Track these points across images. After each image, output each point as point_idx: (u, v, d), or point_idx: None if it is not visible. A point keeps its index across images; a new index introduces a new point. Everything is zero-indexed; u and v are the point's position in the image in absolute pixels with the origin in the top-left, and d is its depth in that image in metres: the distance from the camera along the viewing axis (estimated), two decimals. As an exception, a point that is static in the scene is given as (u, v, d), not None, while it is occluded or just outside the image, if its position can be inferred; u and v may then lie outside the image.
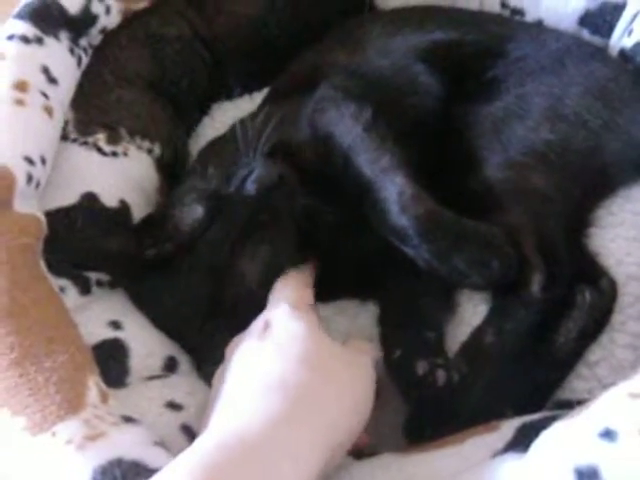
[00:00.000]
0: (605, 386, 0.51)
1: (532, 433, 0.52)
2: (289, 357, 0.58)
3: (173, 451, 0.59)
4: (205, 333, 0.72)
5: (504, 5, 1.03)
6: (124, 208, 0.83)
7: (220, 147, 0.90)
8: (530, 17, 1.01)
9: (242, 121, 0.84)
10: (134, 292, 0.77)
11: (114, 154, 0.86)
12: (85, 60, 0.87)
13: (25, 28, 0.79)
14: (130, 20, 0.94)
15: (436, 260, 0.69)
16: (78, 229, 0.77)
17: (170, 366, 0.74)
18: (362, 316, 0.80)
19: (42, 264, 0.69)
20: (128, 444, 0.57)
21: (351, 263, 0.78)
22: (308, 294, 0.69)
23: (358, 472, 0.61)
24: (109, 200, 0.81)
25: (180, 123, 1.01)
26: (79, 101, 0.85)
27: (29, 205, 0.71)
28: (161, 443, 0.60)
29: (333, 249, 0.75)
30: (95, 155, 0.84)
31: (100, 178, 0.82)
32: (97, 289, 0.77)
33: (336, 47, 0.98)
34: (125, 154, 0.87)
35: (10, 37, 0.78)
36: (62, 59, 0.82)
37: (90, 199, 0.80)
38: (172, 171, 0.94)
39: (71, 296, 0.74)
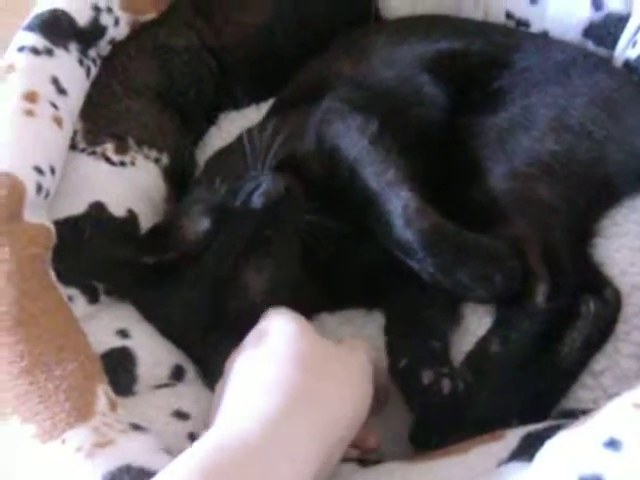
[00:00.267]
0: (610, 396, 0.52)
1: (537, 442, 0.52)
2: (282, 358, 0.58)
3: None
4: (208, 344, 0.72)
5: (509, 16, 1.03)
6: (132, 217, 0.83)
7: (227, 158, 0.91)
8: (535, 28, 1.01)
9: (249, 132, 0.85)
10: (140, 302, 0.77)
11: (122, 164, 0.86)
12: (94, 71, 0.88)
13: (35, 40, 0.79)
14: (138, 31, 0.94)
15: (440, 274, 0.69)
16: (86, 238, 0.77)
17: (177, 375, 0.75)
18: (368, 326, 0.80)
19: (51, 273, 0.69)
20: (136, 451, 0.58)
21: (357, 273, 0.78)
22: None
23: (363, 478, 0.61)
24: (117, 209, 0.82)
25: (187, 133, 1.02)
26: (88, 111, 0.86)
27: (38, 215, 0.71)
28: (169, 451, 0.61)
29: (339, 259, 0.76)
30: (103, 165, 0.85)
31: (108, 188, 0.83)
32: (105, 298, 0.78)
33: (342, 57, 0.99)
34: (133, 164, 0.88)
35: (20, 49, 0.78)
36: (71, 70, 0.82)
37: (98, 208, 0.80)
38: (179, 181, 0.94)
39: (79, 305, 0.74)
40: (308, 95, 0.93)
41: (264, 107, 1.07)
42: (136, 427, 0.62)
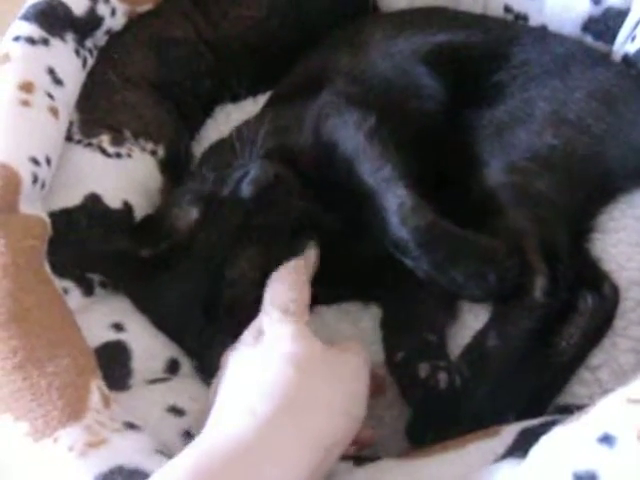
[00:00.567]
0: (607, 391, 0.52)
1: (532, 438, 0.52)
2: (276, 361, 0.58)
3: (174, 457, 0.59)
4: (204, 337, 0.71)
5: (508, 9, 1.02)
6: (127, 209, 0.83)
7: (222, 151, 0.90)
8: (534, 22, 1.01)
9: (246, 125, 0.85)
10: (135, 294, 0.77)
11: (118, 155, 0.86)
12: (90, 61, 0.87)
13: (31, 29, 0.79)
14: (135, 22, 0.94)
15: (435, 272, 0.69)
16: (81, 230, 0.77)
17: (172, 368, 0.75)
18: (364, 319, 0.80)
19: (47, 266, 0.69)
20: (129, 451, 0.58)
21: (353, 266, 0.78)
22: (301, 293, 0.67)
23: (359, 477, 0.61)
24: (112, 201, 0.82)
25: (184, 125, 1.01)
26: (84, 102, 0.85)
27: (34, 206, 0.71)
28: (162, 450, 0.60)
29: (335, 252, 0.75)
30: (99, 156, 0.84)
31: (104, 179, 0.82)
32: (100, 290, 0.77)
33: (339, 50, 0.98)
34: (129, 155, 0.87)
35: (16, 38, 0.78)
36: (68, 60, 0.82)
37: (93, 200, 0.80)
38: (176, 173, 0.94)
39: (74, 297, 0.74)
40: (305, 88, 0.92)
41: (261, 100, 1.06)
42: (130, 426, 0.62)
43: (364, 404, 0.60)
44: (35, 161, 0.71)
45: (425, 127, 0.87)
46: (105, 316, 0.74)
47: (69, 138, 0.82)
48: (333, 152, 0.79)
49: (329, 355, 0.61)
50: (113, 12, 0.88)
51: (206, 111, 1.07)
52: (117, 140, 0.87)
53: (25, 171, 0.70)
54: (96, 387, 0.63)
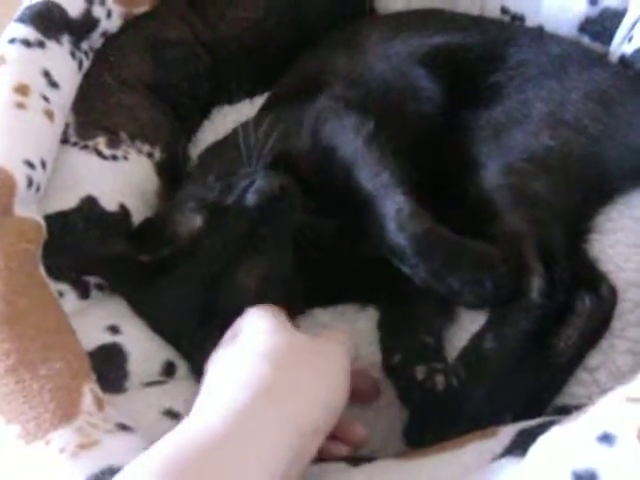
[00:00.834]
0: (605, 391, 0.51)
1: (530, 438, 0.52)
2: (250, 353, 0.58)
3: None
4: (197, 341, 0.71)
5: (505, 11, 1.03)
6: (124, 212, 0.83)
7: (221, 153, 0.90)
8: (530, 23, 1.01)
9: (244, 127, 0.84)
10: (132, 297, 0.77)
11: (114, 158, 0.86)
12: (86, 64, 0.87)
13: (27, 32, 0.79)
14: (131, 24, 0.94)
15: (431, 279, 0.70)
16: (77, 233, 0.77)
17: (168, 371, 0.74)
18: (362, 321, 0.80)
19: (41, 269, 0.69)
20: (121, 453, 0.58)
21: (351, 268, 0.78)
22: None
23: (356, 477, 0.60)
24: (109, 204, 0.81)
25: (181, 127, 1.01)
26: (80, 105, 0.85)
27: (29, 209, 0.71)
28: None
29: (333, 256, 0.75)
30: (95, 159, 0.84)
31: (100, 182, 0.82)
32: (96, 293, 0.77)
33: (336, 52, 0.98)
34: (125, 158, 0.87)
35: (12, 40, 0.78)
36: (63, 63, 0.82)
37: (90, 203, 0.79)
38: (172, 175, 0.93)
39: (70, 300, 0.73)
40: (303, 90, 0.92)
41: (258, 102, 1.06)
42: (123, 427, 0.62)
43: (344, 394, 0.60)
44: (30, 164, 0.71)
45: (423, 129, 0.87)
46: (101, 319, 0.74)
47: (65, 140, 0.82)
48: (331, 157, 0.79)
49: (309, 345, 0.61)
50: (109, 14, 0.88)
51: (203, 113, 1.07)
52: (113, 142, 0.87)
53: (20, 174, 0.70)
54: (89, 390, 0.62)
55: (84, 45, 0.86)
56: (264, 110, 1.00)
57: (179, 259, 0.71)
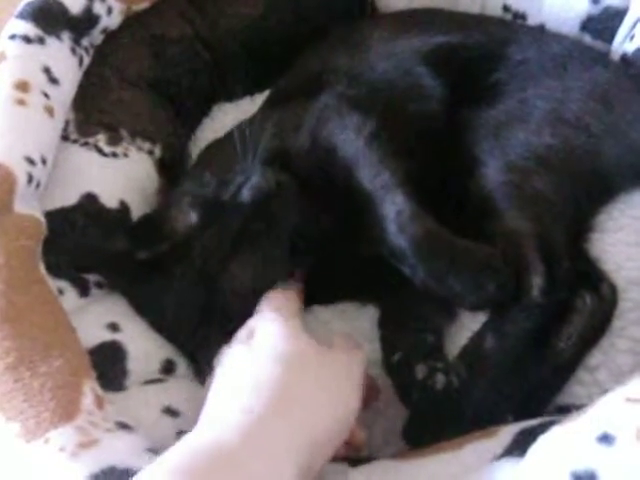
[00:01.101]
0: (605, 391, 0.51)
1: (530, 438, 0.51)
2: (265, 358, 0.58)
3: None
4: (198, 339, 0.71)
5: (506, 9, 1.02)
6: (124, 209, 0.83)
7: (220, 151, 0.90)
8: (532, 21, 1.01)
9: (240, 125, 0.84)
10: (131, 294, 0.77)
11: (114, 155, 0.86)
12: (86, 60, 0.87)
13: (27, 28, 0.79)
14: (131, 21, 0.94)
15: (432, 280, 0.69)
16: (78, 230, 0.77)
17: (168, 369, 0.74)
18: (362, 319, 0.80)
19: (41, 266, 0.69)
20: (122, 452, 0.58)
21: (351, 266, 0.78)
22: (295, 304, 0.69)
23: (355, 477, 0.60)
24: (109, 201, 0.81)
25: (181, 124, 1.01)
26: (80, 101, 0.85)
27: (29, 206, 0.71)
28: (155, 451, 0.60)
29: (332, 252, 0.75)
30: (95, 156, 0.84)
31: (100, 179, 0.82)
32: (96, 291, 0.77)
33: (338, 50, 0.98)
34: (125, 155, 0.87)
35: (12, 37, 0.78)
36: (64, 59, 0.82)
37: (90, 200, 0.80)
38: (172, 172, 0.93)
39: (70, 298, 0.73)
40: (304, 88, 0.92)
41: (258, 99, 1.06)
42: (123, 426, 0.62)
43: (356, 406, 0.60)
44: (30, 160, 0.71)
45: (425, 127, 0.87)
46: (101, 316, 0.74)
47: (65, 137, 0.82)
48: (332, 156, 0.79)
49: (322, 355, 0.61)
50: (109, 11, 0.88)
51: (203, 110, 1.07)
52: (114, 139, 0.87)
53: (20, 170, 0.70)
54: (89, 389, 0.62)
55: (84, 41, 0.86)
56: (265, 108, 1.00)
57: (175, 255, 0.72)
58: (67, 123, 0.82)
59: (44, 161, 0.74)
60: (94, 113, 0.87)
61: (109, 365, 0.70)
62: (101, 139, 0.85)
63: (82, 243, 0.77)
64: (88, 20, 0.85)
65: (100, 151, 0.85)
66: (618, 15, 0.93)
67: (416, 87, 0.90)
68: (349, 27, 1.04)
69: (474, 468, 0.55)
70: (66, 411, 0.59)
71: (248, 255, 0.71)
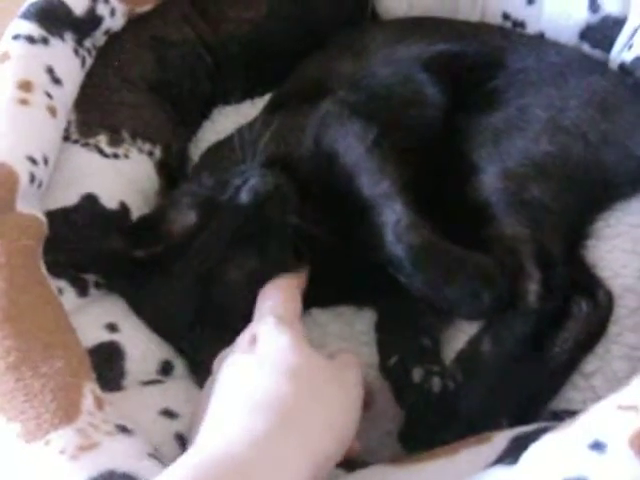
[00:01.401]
0: (600, 397, 0.51)
1: (524, 445, 0.51)
2: (273, 371, 0.57)
3: (166, 460, 0.59)
4: (195, 339, 0.72)
5: (506, 17, 1.03)
6: (124, 210, 0.83)
7: (218, 153, 0.90)
8: (531, 30, 1.01)
9: (241, 129, 0.84)
10: (129, 295, 0.77)
11: (115, 156, 0.86)
12: (89, 61, 0.87)
13: (30, 28, 0.79)
14: (134, 23, 0.94)
15: (428, 290, 0.70)
16: (77, 230, 0.77)
17: (166, 370, 0.74)
18: (359, 322, 0.80)
19: (42, 266, 0.69)
20: (121, 456, 0.57)
21: (348, 270, 0.78)
22: (295, 304, 0.69)
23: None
24: (109, 202, 0.81)
25: (182, 127, 1.01)
26: (82, 102, 0.85)
27: (31, 205, 0.71)
28: (154, 454, 0.60)
29: (329, 256, 0.75)
30: (96, 157, 0.84)
31: (101, 180, 0.82)
32: (95, 291, 0.77)
33: (339, 56, 0.99)
34: (126, 156, 0.87)
35: (15, 37, 0.78)
36: (67, 60, 0.82)
37: (90, 200, 0.80)
38: (172, 175, 0.94)
39: (69, 298, 0.73)
40: (305, 94, 0.93)
41: (259, 103, 1.06)
42: (122, 429, 0.61)
43: (357, 416, 0.60)
44: (33, 160, 0.71)
45: (425, 134, 0.87)
46: (99, 317, 0.74)
47: (67, 138, 0.82)
48: (333, 162, 0.79)
49: (325, 366, 0.60)
50: (112, 12, 0.88)
51: (204, 113, 1.07)
52: (114, 140, 0.87)
53: (22, 170, 0.70)
54: (89, 390, 0.62)
55: (87, 43, 0.86)
56: (266, 112, 1.00)
57: (173, 255, 0.72)
58: (68, 124, 0.82)
59: (46, 161, 0.74)
60: (95, 114, 0.87)
61: (107, 365, 0.69)
62: (102, 140, 0.86)
63: (80, 243, 0.77)
64: (91, 21, 0.85)
65: (101, 152, 0.85)
66: (617, 24, 0.93)
67: (417, 93, 0.90)
68: (350, 33, 1.04)
69: (469, 474, 0.55)
70: (67, 413, 0.58)
71: (245, 256, 0.71)
